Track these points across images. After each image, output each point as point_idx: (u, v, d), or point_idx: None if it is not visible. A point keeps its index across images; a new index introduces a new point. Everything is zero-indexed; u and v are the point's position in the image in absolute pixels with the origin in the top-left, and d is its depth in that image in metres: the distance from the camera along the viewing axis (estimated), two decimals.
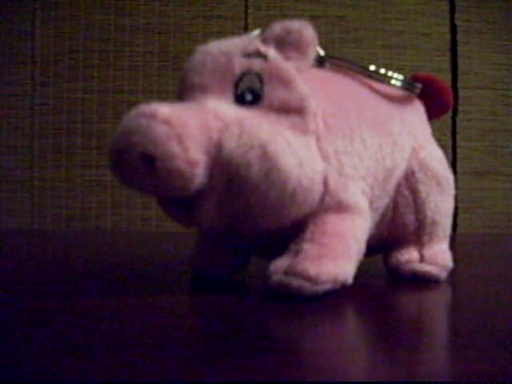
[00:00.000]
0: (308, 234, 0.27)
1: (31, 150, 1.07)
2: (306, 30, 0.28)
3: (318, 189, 0.27)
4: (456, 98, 1.06)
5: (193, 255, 0.34)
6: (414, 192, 0.32)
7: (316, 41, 0.28)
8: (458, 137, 1.09)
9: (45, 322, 0.22)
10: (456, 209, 1.01)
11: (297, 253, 0.27)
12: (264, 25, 0.28)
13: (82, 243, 0.65)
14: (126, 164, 0.24)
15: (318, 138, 0.28)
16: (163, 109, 0.24)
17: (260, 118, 0.26)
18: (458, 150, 1.09)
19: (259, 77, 0.27)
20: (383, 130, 0.31)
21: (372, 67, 0.32)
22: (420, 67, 1.07)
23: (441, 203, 0.33)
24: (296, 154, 0.25)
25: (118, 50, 1.08)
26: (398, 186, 0.32)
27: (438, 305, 0.28)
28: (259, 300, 0.28)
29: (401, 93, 0.33)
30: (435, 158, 0.33)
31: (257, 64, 0.27)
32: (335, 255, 0.26)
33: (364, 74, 0.32)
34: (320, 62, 0.31)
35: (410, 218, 0.32)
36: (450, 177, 0.34)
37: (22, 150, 1.07)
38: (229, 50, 0.28)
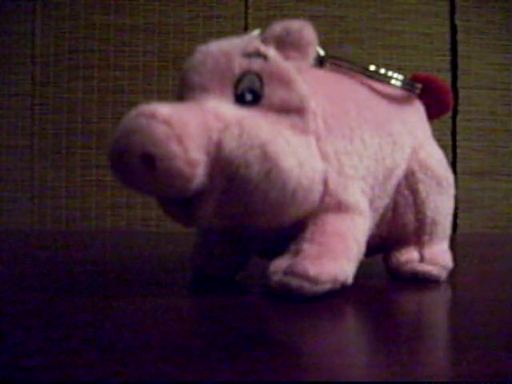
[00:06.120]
0: (308, 234, 0.27)
1: (31, 149, 1.07)
2: (306, 30, 0.28)
3: (318, 189, 0.27)
4: (456, 98, 1.06)
5: (193, 255, 0.34)
6: (414, 192, 0.32)
7: (316, 41, 0.28)
8: (458, 137, 1.09)
9: (44, 321, 0.22)
10: (456, 209, 1.01)
11: (297, 253, 0.27)
12: (264, 25, 0.28)
13: (82, 243, 0.65)
14: (126, 164, 0.24)
15: (318, 138, 0.28)
16: (163, 109, 0.24)
17: (260, 118, 0.26)
18: (458, 150, 1.09)
19: (259, 77, 0.27)
20: (383, 129, 0.31)
21: (372, 67, 0.32)
22: (420, 67, 1.07)
23: (441, 203, 0.33)
24: (296, 154, 0.25)
25: (118, 50, 1.08)
26: (398, 185, 0.32)
27: (438, 305, 0.28)
28: (259, 300, 0.28)
29: (401, 93, 0.33)
30: (435, 158, 0.33)
31: (257, 64, 0.27)
32: (335, 255, 0.26)
33: (364, 74, 0.32)
34: (320, 62, 0.31)
35: (409, 218, 0.32)
36: (450, 177, 0.34)
37: (22, 150, 1.07)
38: (229, 49, 0.28)
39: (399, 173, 0.32)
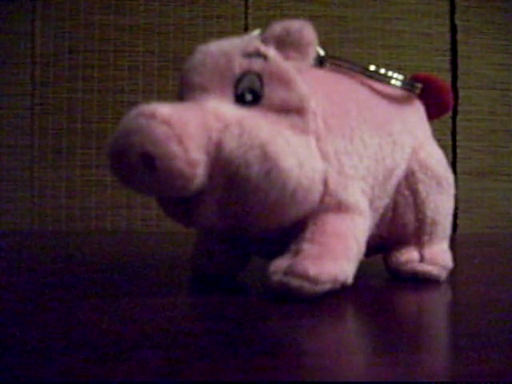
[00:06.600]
0: (308, 234, 0.27)
1: (31, 150, 1.07)
2: (306, 30, 0.28)
3: (318, 189, 0.27)
4: (456, 98, 1.06)
5: (193, 255, 0.34)
6: (414, 192, 0.32)
7: (316, 41, 0.28)
8: (458, 137, 1.09)
9: (44, 322, 0.22)
10: (456, 209, 1.01)
11: (297, 253, 0.27)
12: (264, 25, 0.28)
13: (82, 243, 0.65)
14: (126, 164, 0.24)
15: (318, 138, 0.28)
16: (163, 109, 0.24)
17: (260, 118, 0.26)
18: (458, 150, 1.09)
19: (259, 77, 0.27)
20: (383, 129, 0.31)
21: (372, 67, 0.32)
22: (420, 67, 1.07)
23: (441, 203, 0.33)
24: (296, 154, 0.25)
25: (118, 50, 1.08)
26: (398, 185, 0.32)
27: (438, 305, 0.28)
28: (259, 300, 0.28)
29: (401, 93, 0.33)
30: (435, 158, 0.33)
31: (257, 64, 0.27)
32: (335, 255, 0.26)
33: (364, 74, 0.32)
34: (320, 61, 0.31)
35: (409, 218, 0.32)
36: (450, 177, 0.34)
37: (22, 150, 1.07)
38: (229, 50, 0.28)
39: (399, 173, 0.32)
